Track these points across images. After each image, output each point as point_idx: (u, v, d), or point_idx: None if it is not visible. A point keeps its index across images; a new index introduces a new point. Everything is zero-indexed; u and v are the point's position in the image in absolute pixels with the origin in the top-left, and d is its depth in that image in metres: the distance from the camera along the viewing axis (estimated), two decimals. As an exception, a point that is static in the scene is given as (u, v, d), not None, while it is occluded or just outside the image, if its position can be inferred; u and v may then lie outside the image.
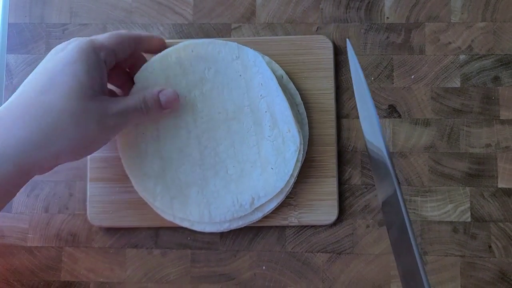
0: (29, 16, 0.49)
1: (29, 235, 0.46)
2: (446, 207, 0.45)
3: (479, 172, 0.45)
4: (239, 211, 0.43)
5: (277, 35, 0.47)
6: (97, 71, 0.37)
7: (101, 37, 0.39)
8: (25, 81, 0.37)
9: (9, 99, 0.37)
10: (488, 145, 0.46)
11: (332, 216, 0.44)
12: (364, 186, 0.45)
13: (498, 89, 0.46)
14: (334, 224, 0.45)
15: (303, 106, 0.45)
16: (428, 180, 0.45)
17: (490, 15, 0.47)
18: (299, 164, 0.43)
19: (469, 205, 0.45)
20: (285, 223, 0.45)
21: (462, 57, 0.47)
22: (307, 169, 0.45)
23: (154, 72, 0.43)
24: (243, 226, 0.44)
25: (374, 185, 0.45)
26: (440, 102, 0.46)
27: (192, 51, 0.43)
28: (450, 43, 0.47)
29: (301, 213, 0.45)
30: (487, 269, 0.44)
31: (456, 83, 0.46)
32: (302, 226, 0.45)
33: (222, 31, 0.48)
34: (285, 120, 0.43)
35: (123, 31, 0.41)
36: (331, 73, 0.46)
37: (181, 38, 0.48)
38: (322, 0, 0.48)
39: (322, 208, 0.45)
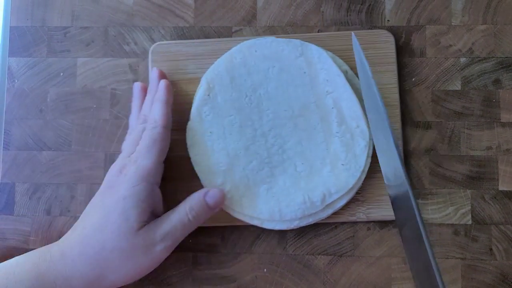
0: (31, 19, 0.49)
1: (31, 238, 0.46)
2: (447, 210, 0.45)
3: (480, 175, 0.45)
4: (310, 209, 0.43)
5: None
6: (147, 199, 0.40)
7: (149, 160, 0.41)
8: (84, 212, 0.42)
9: (70, 233, 0.41)
10: (489, 148, 0.46)
11: None
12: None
13: (499, 91, 0.46)
14: (335, 226, 0.45)
15: None
16: (428, 182, 0.45)
17: (491, 17, 0.47)
18: (370, 160, 0.43)
19: (470, 207, 0.45)
20: (353, 219, 0.45)
21: (463, 59, 0.47)
22: (373, 164, 0.44)
23: (220, 74, 0.44)
24: (312, 223, 0.43)
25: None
26: (441, 104, 0.46)
27: (256, 51, 0.44)
28: (450, 45, 0.47)
29: (369, 209, 0.44)
30: (488, 272, 0.44)
31: (457, 86, 0.46)
32: (303, 228, 0.45)
33: (223, 34, 0.48)
34: (352, 115, 0.43)
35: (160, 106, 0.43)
36: (394, 67, 0.45)
37: (182, 41, 0.48)
38: (323, 3, 0.48)
39: (390, 203, 0.44)
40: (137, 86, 0.46)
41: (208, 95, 0.44)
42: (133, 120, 0.46)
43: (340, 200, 0.43)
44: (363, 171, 0.43)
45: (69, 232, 0.42)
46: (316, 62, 0.44)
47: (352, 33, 0.44)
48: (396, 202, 0.39)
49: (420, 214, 0.35)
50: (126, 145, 0.43)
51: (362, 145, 0.43)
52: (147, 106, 0.44)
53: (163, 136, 0.41)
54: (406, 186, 0.36)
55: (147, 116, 0.43)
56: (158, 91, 0.44)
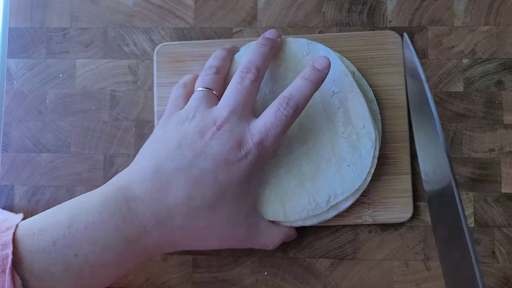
0: (29, 20, 0.49)
1: (30, 241, 0.46)
2: (449, 212, 0.45)
3: (482, 177, 0.45)
4: (315, 210, 0.42)
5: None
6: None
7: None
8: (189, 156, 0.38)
9: (166, 191, 0.37)
10: (491, 150, 0.45)
11: (407, 213, 0.44)
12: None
13: (501, 93, 0.46)
14: (337, 229, 0.45)
15: (376, 103, 0.44)
16: (431, 185, 0.45)
17: (493, 18, 0.46)
18: (376, 161, 0.42)
19: (472, 210, 0.45)
20: (359, 222, 0.44)
21: (465, 61, 0.46)
22: (380, 166, 0.44)
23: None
24: (316, 224, 0.43)
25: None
26: (443, 106, 0.46)
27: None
28: (453, 47, 0.46)
29: (375, 211, 0.44)
30: (491, 275, 0.44)
31: (459, 87, 0.46)
32: (304, 231, 0.45)
33: (223, 35, 0.48)
34: (359, 116, 0.42)
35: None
36: (401, 68, 0.45)
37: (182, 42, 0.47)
38: (324, 4, 0.48)
39: (397, 206, 0.44)
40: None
41: None
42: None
43: (346, 202, 0.43)
44: (369, 172, 0.42)
45: (157, 182, 0.36)
46: None
47: (405, 34, 0.43)
48: (435, 198, 0.38)
49: (463, 211, 0.34)
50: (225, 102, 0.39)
51: (368, 146, 0.42)
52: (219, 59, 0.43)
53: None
54: (450, 181, 0.35)
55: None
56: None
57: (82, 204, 0.36)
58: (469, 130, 0.45)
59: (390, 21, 0.47)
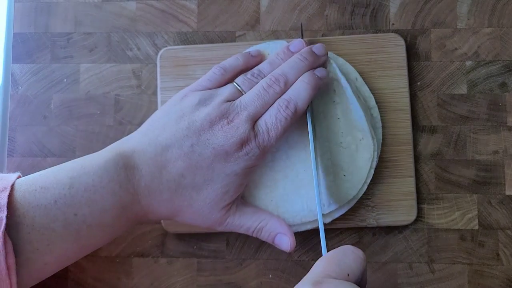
0: (34, 25, 0.49)
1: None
2: (453, 215, 0.45)
3: (486, 179, 0.45)
4: (308, 216, 0.42)
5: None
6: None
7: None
8: (184, 136, 0.39)
9: (161, 165, 0.38)
10: (495, 152, 0.45)
11: (411, 216, 0.44)
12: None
13: (505, 95, 0.46)
14: (341, 232, 0.45)
15: (377, 110, 0.44)
16: (434, 187, 0.45)
17: (496, 20, 0.46)
18: (373, 171, 0.43)
19: (476, 212, 0.45)
20: (363, 224, 0.44)
21: (468, 63, 0.46)
22: (383, 169, 0.44)
23: None
24: (311, 229, 0.43)
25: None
26: (447, 109, 0.46)
27: (269, 54, 0.44)
28: (456, 49, 0.46)
29: (379, 214, 0.44)
30: (495, 277, 0.44)
31: (463, 90, 0.46)
32: (308, 234, 0.45)
33: (226, 39, 0.48)
34: (358, 127, 0.43)
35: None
36: (404, 71, 0.45)
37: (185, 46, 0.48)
38: (327, 7, 0.48)
39: (401, 209, 0.44)
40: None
41: None
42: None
43: (340, 210, 0.43)
44: (365, 182, 0.43)
45: (157, 156, 0.38)
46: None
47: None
48: None
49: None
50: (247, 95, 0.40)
51: (366, 157, 0.42)
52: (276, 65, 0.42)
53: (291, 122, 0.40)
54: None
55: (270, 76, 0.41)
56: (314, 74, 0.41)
57: (83, 166, 0.37)
58: (473, 133, 0.45)
59: (393, 24, 0.47)
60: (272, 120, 0.39)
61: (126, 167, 0.37)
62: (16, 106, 0.48)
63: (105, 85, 0.48)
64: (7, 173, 0.47)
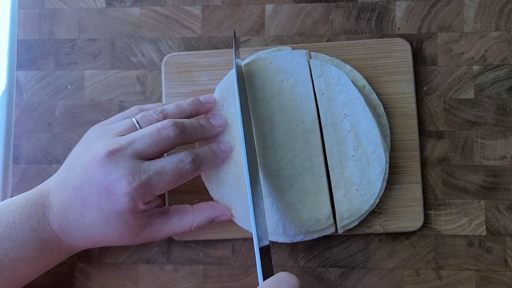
0: (38, 32, 0.49)
1: (42, 252, 0.46)
2: (460, 221, 0.44)
3: (494, 185, 0.45)
4: (315, 225, 0.42)
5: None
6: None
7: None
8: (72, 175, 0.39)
9: (66, 207, 0.39)
10: (503, 157, 0.45)
11: (418, 222, 0.44)
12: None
13: (513, 100, 0.45)
14: (347, 238, 0.45)
15: (385, 117, 0.44)
16: (441, 193, 0.45)
17: (504, 24, 0.46)
18: (385, 183, 0.42)
19: (484, 218, 0.44)
20: (369, 231, 0.44)
21: (475, 67, 0.46)
22: (390, 175, 0.43)
23: (234, 85, 0.43)
24: (317, 237, 0.43)
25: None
26: (454, 113, 0.45)
27: (270, 63, 0.44)
28: (463, 53, 0.46)
29: (386, 221, 0.44)
30: (503, 284, 0.44)
31: (470, 94, 0.46)
32: (314, 241, 0.45)
33: (231, 45, 0.47)
34: (370, 140, 0.42)
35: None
36: (410, 76, 0.45)
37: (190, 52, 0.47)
38: (332, 12, 0.47)
39: (408, 215, 0.44)
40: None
41: (222, 105, 0.44)
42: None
43: (352, 223, 0.43)
44: (377, 196, 0.42)
45: (63, 195, 0.39)
46: (335, 84, 0.43)
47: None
48: None
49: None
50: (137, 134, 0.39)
51: (378, 171, 0.42)
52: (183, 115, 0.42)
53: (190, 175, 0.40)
54: None
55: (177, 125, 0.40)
56: (219, 144, 0.43)
57: (8, 204, 0.40)
58: (480, 138, 0.45)
59: (399, 28, 0.47)
60: (171, 166, 0.38)
61: (43, 205, 0.39)
62: (20, 113, 0.48)
63: (109, 92, 0.48)
64: (13, 180, 0.47)
